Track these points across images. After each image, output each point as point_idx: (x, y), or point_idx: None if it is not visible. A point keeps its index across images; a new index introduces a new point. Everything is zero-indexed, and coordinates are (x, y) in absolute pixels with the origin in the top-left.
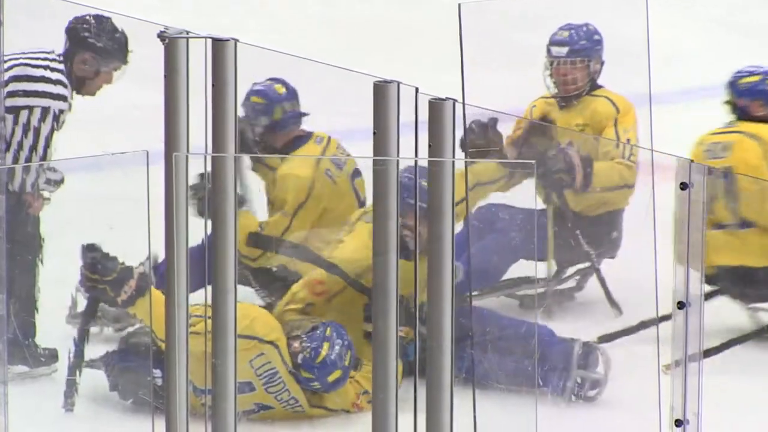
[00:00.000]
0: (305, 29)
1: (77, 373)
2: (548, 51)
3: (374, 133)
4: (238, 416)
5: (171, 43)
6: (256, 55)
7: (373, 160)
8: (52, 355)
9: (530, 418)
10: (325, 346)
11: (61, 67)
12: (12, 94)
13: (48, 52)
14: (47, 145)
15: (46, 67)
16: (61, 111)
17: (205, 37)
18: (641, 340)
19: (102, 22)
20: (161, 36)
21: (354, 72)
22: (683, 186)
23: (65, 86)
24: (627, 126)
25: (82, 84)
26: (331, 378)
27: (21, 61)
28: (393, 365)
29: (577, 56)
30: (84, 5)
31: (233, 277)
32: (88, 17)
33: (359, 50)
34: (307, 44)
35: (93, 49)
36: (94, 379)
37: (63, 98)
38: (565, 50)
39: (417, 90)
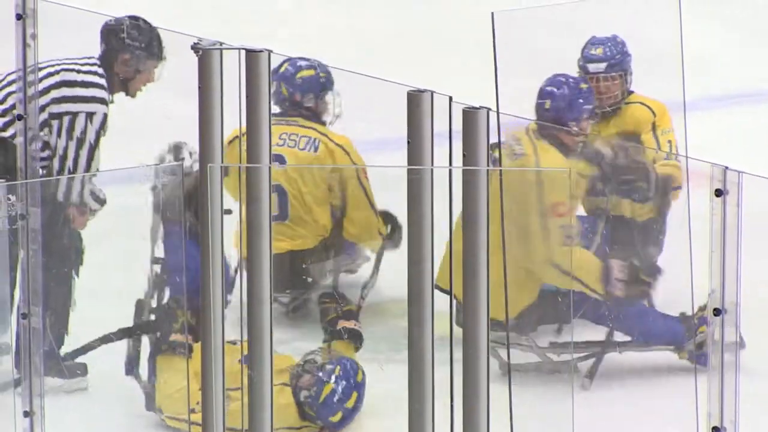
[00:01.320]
0: (336, 39)
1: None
2: (584, 69)
3: (408, 142)
4: None
5: (204, 55)
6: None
7: (408, 169)
8: (86, 368)
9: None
10: (327, 387)
11: (102, 71)
12: (58, 101)
13: (90, 57)
14: (93, 150)
15: (90, 72)
16: (106, 115)
17: (239, 49)
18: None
19: (134, 21)
20: (195, 48)
21: (388, 81)
22: (718, 193)
23: (107, 90)
24: (665, 127)
25: (125, 85)
26: (333, 419)
27: (65, 66)
28: (429, 374)
29: (614, 70)
30: (110, 16)
31: (268, 286)
32: (121, 19)
33: (391, 60)
34: (338, 54)
35: (130, 49)
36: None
37: (106, 102)
38: (603, 66)
39: (451, 99)
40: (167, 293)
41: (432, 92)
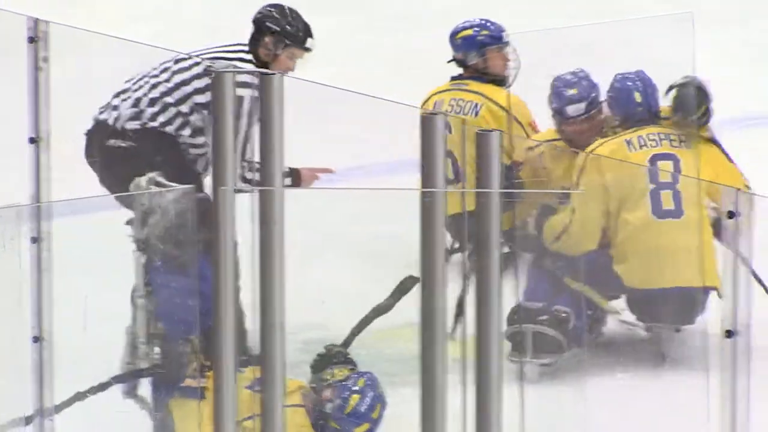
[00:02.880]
0: (354, 59)
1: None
2: (562, 112)
3: (422, 165)
4: None
5: (217, 78)
6: (302, 88)
7: (421, 191)
8: None
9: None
10: (354, 397)
11: (250, 57)
12: (202, 90)
13: (242, 44)
14: (246, 135)
15: (240, 59)
16: (253, 99)
17: (252, 72)
18: (688, 372)
19: (283, 9)
20: (207, 71)
21: (402, 105)
22: (731, 215)
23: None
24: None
25: (265, 69)
26: (358, 430)
27: (216, 54)
28: (441, 397)
29: (593, 107)
30: (123, 39)
31: (280, 314)
32: (271, 7)
33: (408, 80)
34: (355, 73)
35: (272, 32)
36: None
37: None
38: (583, 106)
39: (464, 122)
40: (160, 324)
41: (446, 114)
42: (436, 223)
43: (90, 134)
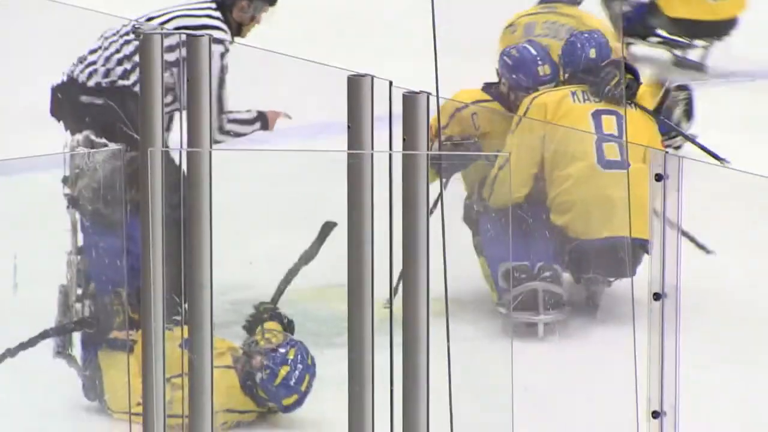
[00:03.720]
0: (280, 21)
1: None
2: (528, 89)
3: (348, 126)
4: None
5: (145, 39)
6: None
7: (348, 153)
8: None
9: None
10: (284, 368)
11: (218, 14)
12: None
13: (205, 1)
14: (220, 89)
15: (207, 16)
16: (225, 52)
17: (180, 33)
18: (617, 328)
19: None
20: (135, 32)
21: (328, 66)
22: (658, 177)
23: (225, 32)
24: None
25: (239, 30)
26: (286, 401)
27: (180, 12)
28: (369, 358)
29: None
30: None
31: (209, 277)
32: None
33: (332, 42)
34: (280, 36)
35: None
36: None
37: (223, 42)
38: (552, 84)
39: (391, 83)
40: (92, 284)
41: (372, 77)
42: (363, 184)
43: (60, 90)
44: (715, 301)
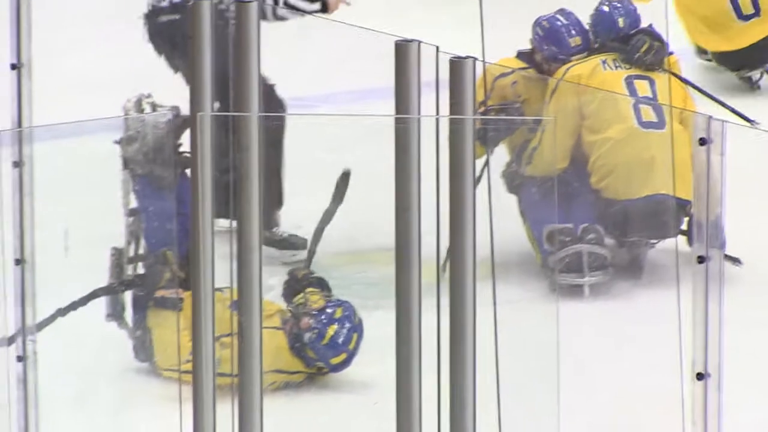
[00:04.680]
0: None
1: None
2: (558, 59)
3: (396, 93)
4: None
5: (195, 5)
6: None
7: (395, 118)
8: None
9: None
10: (332, 328)
11: None
12: None
13: None
14: None
15: None
16: None
17: (228, 1)
18: (662, 291)
19: None
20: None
21: (374, 31)
22: (702, 141)
23: None
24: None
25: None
26: (334, 360)
27: None
28: (416, 320)
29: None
30: None
31: (257, 235)
32: None
33: (378, 10)
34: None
35: None
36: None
37: None
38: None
39: (438, 49)
40: (144, 243)
41: (419, 42)
42: (410, 149)
43: (147, 18)
44: (756, 266)
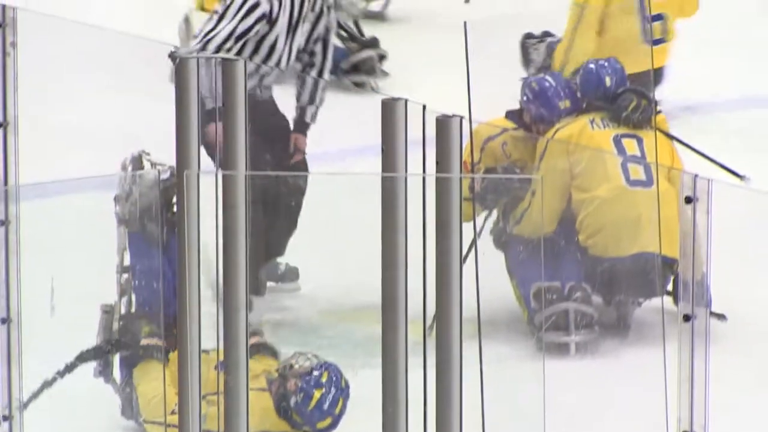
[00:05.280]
0: None
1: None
2: (548, 122)
3: (383, 150)
4: None
5: (182, 63)
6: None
7: (382, 176)
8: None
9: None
10: (318, 391)
11: None
12: None
13: None
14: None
15: None
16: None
17: (215, 57)
18: (648, 349)
19: None
20: (172, 56)
21: (363, 90)
22: (688, 200)
23: None
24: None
25: None
26: (320, 425)
27: None
28: (403, 378)
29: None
30: (91, 25)
31: (244, 294)
32: None
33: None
34: None
35: None
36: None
37: None
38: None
39: (424, 107)
40: (134, 300)
41: (406, 100)
42: (397, 206)
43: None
44: (744, 323)
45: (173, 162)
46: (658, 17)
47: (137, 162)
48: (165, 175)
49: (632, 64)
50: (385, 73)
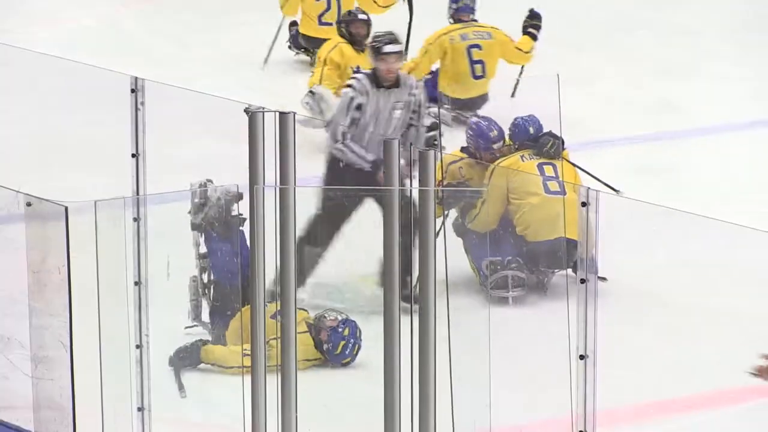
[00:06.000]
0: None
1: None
2: (486, 148)
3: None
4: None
5: (253, 116)
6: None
7: (378, 189)
8: None
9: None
10: (341, 343)
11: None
12: None
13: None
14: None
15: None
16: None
17: (275, 111)
18: (559, 302)
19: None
20: (246, 111)
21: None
22: (583, 204)
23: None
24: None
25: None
26: (343, 362)
27: None
28: (397, 330)
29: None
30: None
31: (294, 275)
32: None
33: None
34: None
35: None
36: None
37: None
38: (501, 143)
39: (411, 145)
40: (212, 274)
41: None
42: (393, 214)
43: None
44: (620, 284)
45: (229, 186)
46: (480, 62)
47: (203, 186)
48: (231, 192)
49: (464, 92)
50: None
